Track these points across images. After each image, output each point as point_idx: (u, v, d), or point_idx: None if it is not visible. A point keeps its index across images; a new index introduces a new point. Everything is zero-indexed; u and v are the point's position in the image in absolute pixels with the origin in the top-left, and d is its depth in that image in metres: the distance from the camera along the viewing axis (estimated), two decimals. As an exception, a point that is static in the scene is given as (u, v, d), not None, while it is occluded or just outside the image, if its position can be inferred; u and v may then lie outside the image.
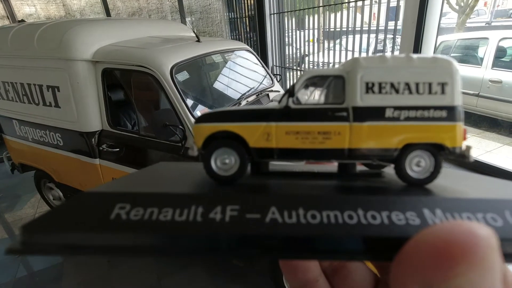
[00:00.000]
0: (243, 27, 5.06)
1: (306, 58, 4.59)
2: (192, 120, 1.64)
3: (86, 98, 1.91)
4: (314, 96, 0.25)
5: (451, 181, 0.26)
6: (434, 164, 0.24)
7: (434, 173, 0.24)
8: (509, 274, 0.14)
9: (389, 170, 0.27)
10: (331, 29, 3.96)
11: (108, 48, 1.90)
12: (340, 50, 3.89)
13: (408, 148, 0.24)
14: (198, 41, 2.08)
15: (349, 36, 3.70)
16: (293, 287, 0.25)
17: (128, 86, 1.89)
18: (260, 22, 4.81)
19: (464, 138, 0.24)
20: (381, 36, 3.34)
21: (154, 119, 1.53)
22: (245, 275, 2.04)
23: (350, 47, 3.76)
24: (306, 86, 0.25)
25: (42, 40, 1.93)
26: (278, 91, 2.44)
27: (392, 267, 0.15)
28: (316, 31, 4.15)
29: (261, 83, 2.42)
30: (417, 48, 2.73)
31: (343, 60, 3.82)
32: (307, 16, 4.33)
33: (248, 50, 2.46)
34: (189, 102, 1.71)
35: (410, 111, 0.23)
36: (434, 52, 2.93)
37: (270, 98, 2.28)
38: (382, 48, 3.29)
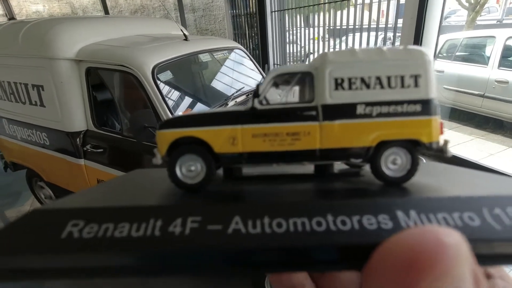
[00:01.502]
0: (247, 25, 4.98)
1: (311, 56, 4.52)
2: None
3: (70, 98, 1.88)
4: (282, 96, 0.24)
5: (430, 176, 0.25)
6: (411, 161, 0.23)
7: (411, 171, 0.23)
8: (480, 275, 0.13)
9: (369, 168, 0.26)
10: (336, 27, 3.87)
11: (91, 47, 1.86)
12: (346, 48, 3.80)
13: (383, 145, 0.23)
14: (186, 39, 2.03)
15: (356, 33, 3.61)
16: None
17: (111, 85, 1.85)
18: (261, 19, 4.74)
19: (441, 132, 0.23)
20: (389, 34, 3.24)
21: (133, 120, 1.49)
22: (226, 278, 1.99)
23: (355, 46, 3.69)
24: (275, 85, 0.24)
25: (26, 38, 1.91)
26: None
27: (362, 277, 0.14)
28: (321, 29, 4.07)
29: (251, 83, 2.36)
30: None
31: None
32: (311, 14, 4.25)
33: (240, 49, 2.40)
34: (171, 103, 1.66)
35: (382, 107, 0.22)
36: (436, 51, 2.82)
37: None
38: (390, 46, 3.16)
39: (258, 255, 0.16)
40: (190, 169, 0.24)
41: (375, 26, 3.24)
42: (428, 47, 2.67)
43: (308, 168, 0.27)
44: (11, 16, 2.56)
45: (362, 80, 0.22)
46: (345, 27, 3.64)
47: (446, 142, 0.23)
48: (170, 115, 1.60)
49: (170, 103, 1.65)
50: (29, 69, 1.93)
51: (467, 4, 5.66)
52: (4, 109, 2.27)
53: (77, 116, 1.92)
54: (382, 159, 0.23)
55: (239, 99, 2.05)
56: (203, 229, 0.17)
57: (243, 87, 2.28)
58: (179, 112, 1.68)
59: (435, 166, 0.28)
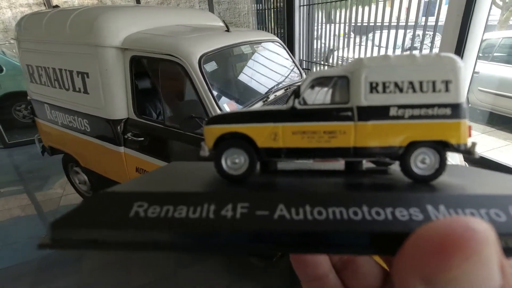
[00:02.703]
0: (273, 19, 4.93)
1: (335, 53, 4.43)
2: (219, 112, 1.59)
3: (113, 86, 1.91)
4: (320, 97, 0.26)
5: (457, 177, 0.26)
6: (439, 161, 0.24)
7: (439, 170, 0.24)
8: (505, 261, 0.14)
9: (396, 167, 0.27)
10: (362, 24, 3.77)
11: (136, 35, 1.88)
12: (373, 46, 3.72)
13: (413, 145, 0.24)
14: (228, 30, 2.02)
15: (383, 31, 3.52)
16: (304, 282, 0.25)
17: (155, 75, 1.86)
18: (289, 14, 4.68)
19: (469, 135, 0.24)
20: (418, 32, 3.13)
21: (180, 110, 1.50)
22: (262, 274, 1.99)
23: (382, 43, 3.58)
24: (312, 87, 0.26)
25: (74, 25, 1.94)
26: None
27: (394, 261, 0.15)
28: (345, 25, 4.00)
29: (289, 77, 2.33)
30: (460, 45, 2.52)
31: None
32: (333, 10, 4.17)
33: (277, 42, 2.37)
34: (215, 93, 1.66)
35: (414, 110, 0.23)
36: (479, 51, 2.70)
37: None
38: (419, 45, 3.09)
39: (302, 238, 0.18)
40: (235, 161, 0.25)
41: (403, 24, 3.16)
42: (473, 47, 2.56)
43: (338, 165, 0.29)
44: (55, 5, 2.61)
45: (396, 84, 0.23)
46: (372, 24, 3.56)
47: (474, 144, 0.24)
48: (215, 106, 1.60)
49: (215, 94, 1.64)
50: (76, 56, 1.97)
51: (500, 3, 5.39)
52: (47, 95, 2.34)
53: (119, 104, 1.95)
54: (412, 158, 0.24)
55: (278, 93, 2.03)
56: (252, 214, 0.19)
57: (282, 80, 2.26)
58: (224, 103, 1.67)
59: (461, 168, 0.29)
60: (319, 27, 4.40)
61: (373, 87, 0.24)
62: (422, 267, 0.13)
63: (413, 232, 0.14)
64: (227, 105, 1.67)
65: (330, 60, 4.48)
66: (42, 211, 2.89)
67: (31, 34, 2.26)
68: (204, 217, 0.18)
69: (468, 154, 0.24)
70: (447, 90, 0.23)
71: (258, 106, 1.84)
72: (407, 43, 3.50)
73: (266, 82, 2.11)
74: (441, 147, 0.24)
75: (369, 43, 3.81)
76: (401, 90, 0.23)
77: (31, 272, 2.16)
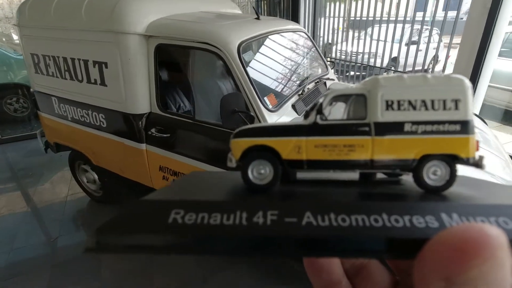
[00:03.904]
0: (279, 10, 4.79)
1: (334, 48, 4.36)
2: (261, 105, 1.46)
3: (136, 77, 1.74)
4: (339, 112, 0.27)
5: (467, 188, 0.28)
6: (450, 173, 0.26)
7: (450, 181, 0.26)
8: None
9: (407, 178, 0.29)
10: (361, 18, 3.75)
11: (162, 21, 1.71)
12: (371, 40, 3.70)
13: (426, 158, 0.26)
14: (258, 18, 1.87)
15: (382, 25, 3.48)
16: None
17: (185, 65, 1.70)
18: (294, 5, 4.56)
19: (477, 149, 0.26)
20: (417, 26, 3.15)
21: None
22: (297, 278, 1.90)
23: (381, 38, 3.56)
24: (331, 103, 0.28)
25: (91, 10, 1.76)
26: (334, 80, 2.23)
27: (415, 264, 0.16)
28: (344, 19, 3.97)
29: (316, 69, 2.21)
30: (486, 39, 2.45)
31: (373, 50, 3.73)
32: (328, 3, 4.13)
33: (304, 33, 2.24)
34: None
35: (426, 126, 0.25)
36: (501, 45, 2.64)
37: (327, 87, 2.08)
38: (416, 39, 3.07)
39: (329, 243, 0.19)
40: (260, 172, 0.27)
41: (401, 19, 3.15)
42: (497, 41, 2.49)
43: (353, 175, 0.30)
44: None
45: (410, 102, 0.25)
46: (371, 18, 3.54)
47: (481, 157, 0.26)
48: (257, 98, 1.46)
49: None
50: (92, 44, 1.78)
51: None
52: (55, 87, 2.14)
53: (141, 97, 1.79)
54: (424, 170, 0.26)
55: (310, 86, 1.92)
56: (282, 221, 0.20)
57: (311, 73, 2.14)
58: (264, 97, 1.54)
59: (470, 179, 0.31)
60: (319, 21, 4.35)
61: (388, 105, 0.25)
62: (443, 268, 0.14)
63: (432, 238, 0.16)
64: (267, 99, 1.54)
65: (330, 55, 4.44)
66: (37, 208, 2.72)
67: (36, 20, 2.06)
68: (238, 223, 0.20)
69: (476, 166, 0.26)
70: (456, 108, 0.25)
71: (293, 100, 1.72)
72: (405, 38, 3.49)
73: (297, 74, 1.99)
74: (452, 160, 0.26)
75: (367, 38, 3.78)
76: (414, 108, 0.25)
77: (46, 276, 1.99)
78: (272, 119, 1.50)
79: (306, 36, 2.26)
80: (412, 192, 0.26)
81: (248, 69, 1.53)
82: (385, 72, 3.89)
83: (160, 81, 1.79)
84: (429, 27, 3.22)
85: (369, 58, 3.99)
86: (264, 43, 1.83)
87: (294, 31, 2.13)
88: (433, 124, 0.25)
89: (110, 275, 2.03)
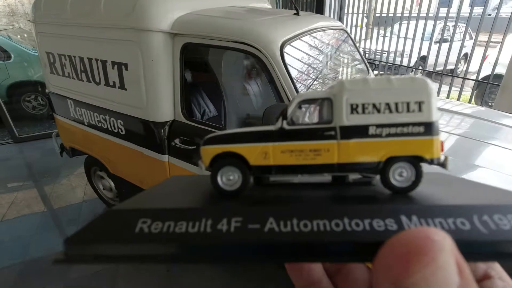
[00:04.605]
0: (304, 6, 4.52)
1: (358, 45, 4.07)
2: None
3: (159, 80, 1.54)
4: (306, 117, 0.28)
5: (437, 186, 0.29)
6: (415, 174, 0.26)
7: (416, 182, 0.26)
8: (465, 266, 0.15)
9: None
10: (386, 14, 3.46)
11: (190, 17, 1.49)
12: (398, 38, 3.40)
13: (391, 160, 0.26)
14: (297, 14, 1.63)
15: (410, 22, 3.18)
16: (298, 287, 0.27)
17: (216, 66, 1.48)
18: (319, 1, 4.28)
19: (442, 150, 0.26)
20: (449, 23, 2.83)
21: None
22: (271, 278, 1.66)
23: (406, 35, 3.26)
24: (299, 108, 0.28)
25: (110, 5, 1.56)
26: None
27: (372, 267, 0.17)
28: (363, 15, 3.68)
29: (358, 69, 1.95)
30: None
31: (399, 48, 3.51)
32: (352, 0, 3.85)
33: (345, 31, 1.97)
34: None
35: (391, 128, 0.25)
36: None
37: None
38: (449, 37, 2.77)
39: (290, 249, 0.19)
40: (229, 178, 0.27)
41: (424, 15, 2.84)
42: None
43: (326, 177, 0.31)
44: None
45: (374, 105, 0.25)
46: (397, 14, 3.25)
47: (446, 158, 0.26)
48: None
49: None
50: (111, 43, 1.59)
51: None
52: (71, 89, 1.97)
53: (165, 104, 1.58)
54: (390, 172, 0.26)
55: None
56: (245, 227, 0.20)
57: (354, 74, 1.88)
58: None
59: (442, 177, 0.31)
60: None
61: (353, 109, 0.25)
62: (391, 272, 0.15)
63: (386, 241, 0.16)
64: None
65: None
66: (52, 207, 2.62)
67: (52, 16, 1.88)
68: (202, 231, 0.20)
69: (442, 167, 0.26)
70: (420, 110, 0.25)
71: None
72: (436, 35, 3.16)
73: (340, 76, 1.73)
74: (417, 161, 0.26)
75: (391, 35, 3.50)
76: (378, 111, 0.25)
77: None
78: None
79: (347, 35, 2.00)
80: (381, 194, 0.27)
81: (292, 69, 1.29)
82: (412, 71, 3.62)
83: (186, 86, 1.58)
84: (465, 24, 2.90)
85: (394, 56, 3.71)
86: (307, 42, 1.58)
87: (337, 28, 1.87)
88: (397, 127, 0.25)
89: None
